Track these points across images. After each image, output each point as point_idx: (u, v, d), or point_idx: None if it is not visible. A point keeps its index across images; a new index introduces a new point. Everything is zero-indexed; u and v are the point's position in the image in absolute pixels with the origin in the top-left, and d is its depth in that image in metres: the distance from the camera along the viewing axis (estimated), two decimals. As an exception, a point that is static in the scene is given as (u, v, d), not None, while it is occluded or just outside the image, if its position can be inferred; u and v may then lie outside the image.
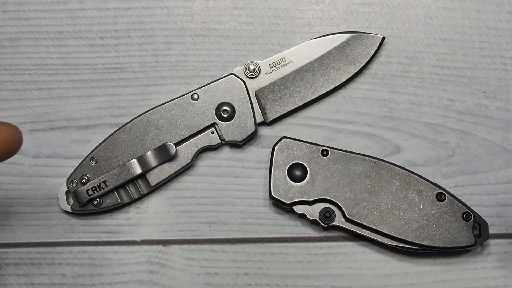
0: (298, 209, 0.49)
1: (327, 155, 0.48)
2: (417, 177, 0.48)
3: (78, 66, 0.52)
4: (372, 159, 0.48)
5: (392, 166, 0.48)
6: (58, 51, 0.52)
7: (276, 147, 0.49)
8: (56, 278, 0.50)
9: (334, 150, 0.49)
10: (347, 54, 0.50)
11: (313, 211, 0.48)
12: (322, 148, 0.49)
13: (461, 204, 0.47)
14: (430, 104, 0.51)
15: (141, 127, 0.49)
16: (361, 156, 0.48)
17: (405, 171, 0.48)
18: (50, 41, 0.52)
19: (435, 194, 0.47)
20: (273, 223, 0.50)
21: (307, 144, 0.49)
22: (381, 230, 0.47)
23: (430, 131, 0.51)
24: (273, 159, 0.49)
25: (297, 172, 0.48)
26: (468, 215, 0.47)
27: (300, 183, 0.48)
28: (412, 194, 0.48)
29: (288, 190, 0.48)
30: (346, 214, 0.48)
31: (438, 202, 0.47)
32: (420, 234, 0.47)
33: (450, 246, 0.47)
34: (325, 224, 0.48)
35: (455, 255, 0.49)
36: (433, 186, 0.48)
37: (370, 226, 0.48)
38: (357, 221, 0.48)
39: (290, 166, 0.49)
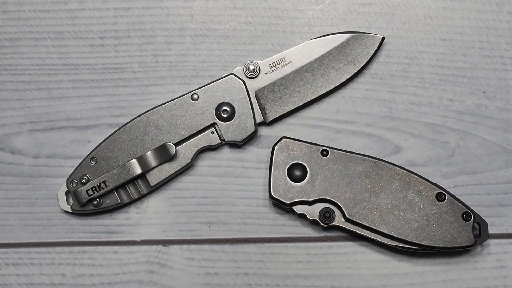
0: (298, 209, 0.49)
1: (327, 155, 0.48)
2: (417, 177, 0.48)
3: (78, 66, 0.52)
4: (372, 159, 0.48)
5: (392, 166, 0.48)
6: (58, 51, 0.52)
7: (276, 147, 0.49)
8: (56, 278, 0.50)
9: (334, 150, 0.49)
10: (347, 54, 0.50)
11: (313, 211, 0.48)
12: (322, 148, 0.49)
13: (461, 204, 0.47)
14: (430, 104, 0.51)
15: (141, 127, 0.50)
16: (361, 156, 0.48)
17: (405, 171, 0.48)
18: (50, 41, 0.52)
19: (435, 194, 0.47)
20: (273, 223, 0.50)
21: (307, 144, 0.49)
22: (381, 230, 0.47)
23: (430, 131, 0.51)
24: (273, 159, 0.49)
25: (297, 172, 0.48)
26: (468, 215, 0.47)
27: (300, 183, 0.48)
28: (412, 194, 0.48)
29: (288, 190, 0.48)
30: (346, 214, 0.48)
31: (438, 202, 0.47)
32: (420, 234, 0.47)
33: (450, 246, 0.47)
34: (325, 224, 0.48)
35: (455, 255, 0.49)
36: (433, 186, 0.48)
37: (370, 226, 0.47)
38: (357, 221, 0.48)
39: (290, 166, 0.49)
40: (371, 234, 0.48)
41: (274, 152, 0.49)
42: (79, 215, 0.51)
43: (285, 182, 0.48)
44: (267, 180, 0.49)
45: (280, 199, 0.48)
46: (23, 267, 0.51)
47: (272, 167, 0.49)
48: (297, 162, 0.49)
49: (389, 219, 0.47)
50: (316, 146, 0.49)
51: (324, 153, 0.48)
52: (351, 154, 0.49)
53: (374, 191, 0.48)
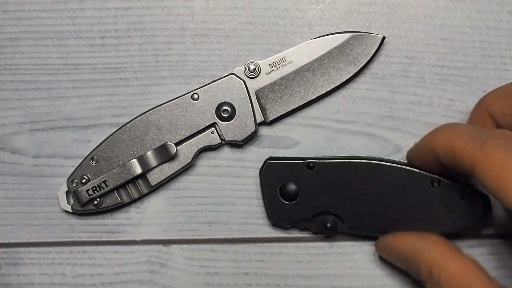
0: (300, 225, 0.49)
1: (313, 168, 0.48)
2: (407, 168, 0.47)
3: (78, 66, 0.52)
4: (356, 161, 0.47)
5: (378, 163, 0.47)
6: (58, 51, 0.52)
7: (262, 171, 0.48)
8: (56, 278, 0.50)
9: (318, 161, 0.48)
10: (347, 54, 0.50)
11: (315, 224, 0.48)
12: (306, 162, 0.48)
13: (457, 185, 0.46)
14: (430, 104, 0.51)
15: (141, 127, 0.50)
16: (344, 161, 0.48)
17: (392, 165, 0.47)
18: (50, 41, 0.52)
19: (429, 181, 0.47)
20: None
21: (292, 161, 0.48)
22: (385, 231, 0.47)
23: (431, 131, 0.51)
24: (263, 184, 0.48)
25: (289, 191, 0.48)
26: (465, 194, 0.46)
27: (295, 201, 0.48)
28: (407, 187, 0.47)
29: (285, 212, 0.48)
30: (347, 224, 0.47)
31: (433, 188, 0.46)
32: (423, 224, 0.46)
33: (454, 230, 0.46)
34: (329, 234, 0.48)
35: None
36: (425, 174, 0.47)
37: (371, 233, 0.47)
38: (358, 229, 0.47)
39: (281, 187, 0.48)
40: (374, 233, 0.48)
41: (262, 177, 0.48)
42: (79, 215, 0.51)
43: (280, 204, 0.48)
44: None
45: (281, 224, 0.49)
46: (23, 267, 0.51)
47: (264, 192, 0.48)
48: (286, 182, 0.48)
49: (390, 218, 0.47)
50: (301, 161, 0.48)
51: (311, 165, 0.48)
52: (334, 161, 0.48)
53: (368, 194, 0.47)
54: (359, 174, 0.47)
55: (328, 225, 0.47)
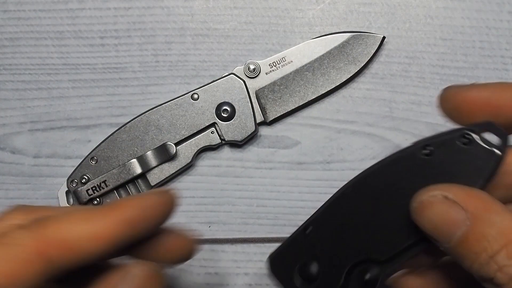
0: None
1: (309, 231, 0.38)
2: (391, 161, 0.35)
3: (78, 66, 0.52)
4: (343, 189, 0.36)
5: (357, 185, 0.36)
6: (58, 51, 0.52)
7: (269, 270, 0.40)
8: (56, 278, 0.50)
9: (311, 224, 0.38)
10: (347, 54, 0.50)
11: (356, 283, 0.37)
12: (302, 227, 0.38)
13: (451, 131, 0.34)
14: (431, 103, 0.51)
15: (141, 127, 0.49)
16: (334, 202, 0.37)
17: (370, 172, 0.36)
18: (50, 41, 0.52)
19: (419, 151, 0.34)
20: (273, 223, 0.50)
21: (290, 245, 0.39)
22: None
23: (431, 131, 0.51)
24: (280, 282, 0.39)
25: (310, 270, 0.38)
26: (464, 134, 0.34)
27: (320, 276, 0.37)
28: (404, 176, 0.35)
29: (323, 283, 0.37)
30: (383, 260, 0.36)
31: (426, 157, 0.34)
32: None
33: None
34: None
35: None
36: (415, 146, 0.35)
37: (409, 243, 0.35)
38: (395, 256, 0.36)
39: (298, 270, 0.38)
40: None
41: (273, 275, 0.39)
42: (79, 215, 0.51)
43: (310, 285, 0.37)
44: (268, 180, 0.49)
45: None
46: (23, 267, 0.50)
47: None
48: (299, 266, 0.38)
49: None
50: (296, 235, 0.38)
51: (307, 231, 0.38)
52: (323, 210, 0.38)
53: (380, 213, 0.35)
54: (353, 203, 0.36)
55: (367, 277, 0.36)
